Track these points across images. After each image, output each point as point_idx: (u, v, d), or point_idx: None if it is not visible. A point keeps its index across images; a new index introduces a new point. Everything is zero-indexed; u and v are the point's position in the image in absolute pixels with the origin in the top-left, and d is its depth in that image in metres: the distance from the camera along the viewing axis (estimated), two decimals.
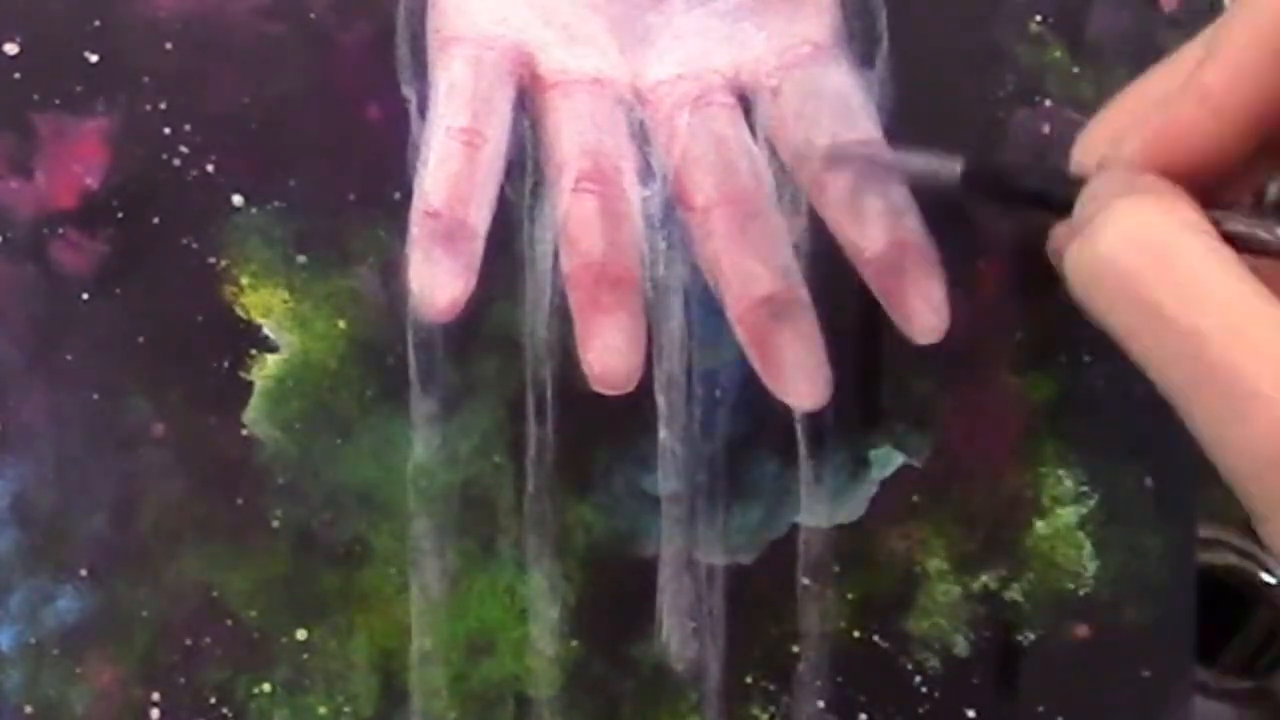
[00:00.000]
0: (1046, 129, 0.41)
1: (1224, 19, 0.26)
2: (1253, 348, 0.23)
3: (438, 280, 0.39)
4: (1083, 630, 0.41)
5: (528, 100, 0.40)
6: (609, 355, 0.39)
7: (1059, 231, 0.29)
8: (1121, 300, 0.24)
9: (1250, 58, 0.25)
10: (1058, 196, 0.30)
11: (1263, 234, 0.25)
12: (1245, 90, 0.25)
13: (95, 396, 0.39)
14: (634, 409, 0.40)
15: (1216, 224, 0.25)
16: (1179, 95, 0.26)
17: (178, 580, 0.39)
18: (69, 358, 0.39)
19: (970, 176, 0.32)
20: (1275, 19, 0.25)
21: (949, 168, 0.32)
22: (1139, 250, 0.24)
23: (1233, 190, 0.27)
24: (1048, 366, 0.41)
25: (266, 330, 0.39)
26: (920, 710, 0.41)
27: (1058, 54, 0.41)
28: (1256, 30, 0.25)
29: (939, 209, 0.40)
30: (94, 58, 0.39)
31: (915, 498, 0.41)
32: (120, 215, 0.39)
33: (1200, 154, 0.26)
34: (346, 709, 0.40)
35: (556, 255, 0.40)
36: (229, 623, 0.39)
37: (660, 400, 0.40)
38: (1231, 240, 0.25)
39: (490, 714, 0.40)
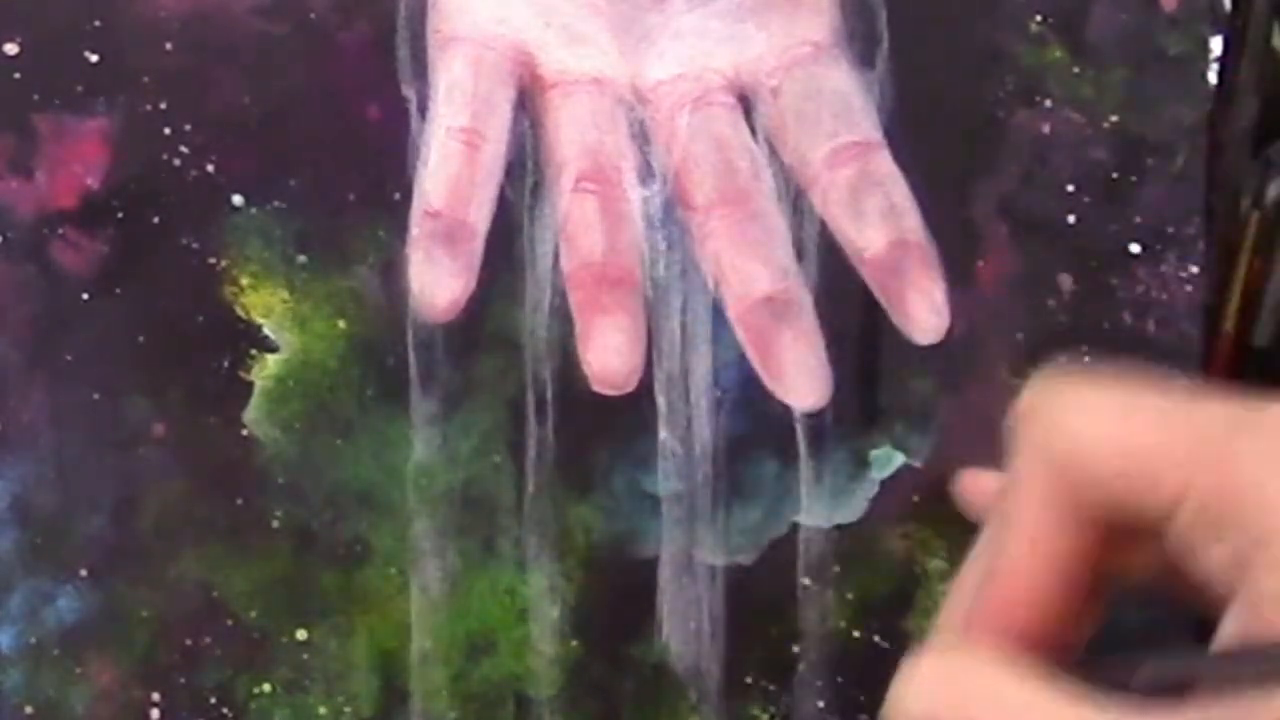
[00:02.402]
0: (1046, 129, 0.41)
1: (1007, 500, 0.27)
2: None
3: (438, 280, 0.39)
4: None
5: (528, 100, 0.40)
6: (609, 355, 0.39)
7: None
8: None
9: (1039, 521, 0.26)
10: None
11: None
12: (1043, 554, 0.26)
13: (95, 396, 0.39)
14: (634, 409, 0.40)
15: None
16: (986, 578, 0.27)
17: (178, 580, 0.39)
18: (69, 358, 0.39)
19: None
20: (1051, 473, 0.26)
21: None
22: (936, 688, 0.26)
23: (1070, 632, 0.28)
24: (1048, 366, 0.41)
25: (266, 330, 0.39)
26: None
27: (1058, 54, 0.41)
28: (1037, 491, 0.26)
29: (939, 209, 0.40)
30: (94, 58, 0.39)
31: (915, 498, 0.41)
32: (120, 215, 0.39)
33: (1022, 620, 0.27)
34: (346, 709, 0.40)
35: (556, 255, 0.40)
36: (229, 623, 0.39)
37: (660, 400, 0.40)
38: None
39: (490, 714, 0.40)
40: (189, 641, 0.39)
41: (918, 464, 0.41)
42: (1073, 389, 0.26)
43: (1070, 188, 0.42)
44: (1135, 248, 0.41)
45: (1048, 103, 0.41)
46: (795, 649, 0.40)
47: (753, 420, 0.40)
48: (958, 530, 0.41)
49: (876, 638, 0.41)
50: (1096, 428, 0.26)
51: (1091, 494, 0.26)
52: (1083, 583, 0.27)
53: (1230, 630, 0.25)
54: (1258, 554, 0.24)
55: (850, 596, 0.41)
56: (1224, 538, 0.24)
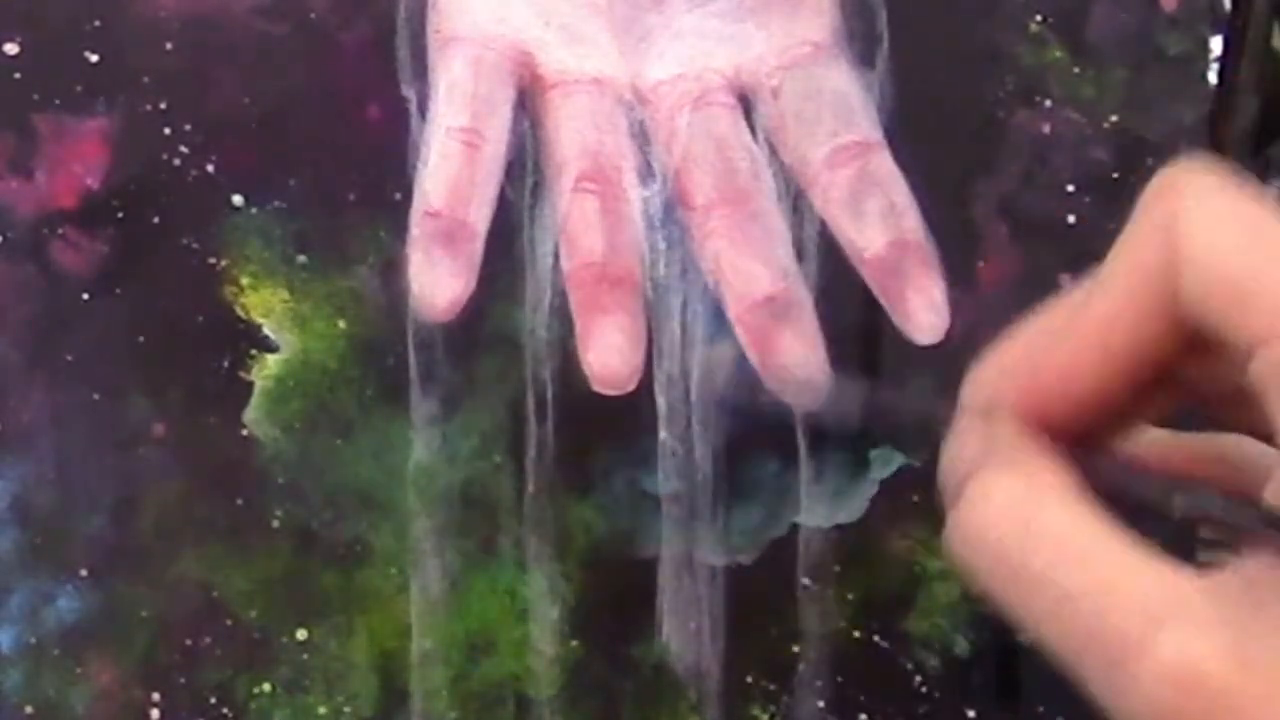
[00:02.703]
0: (1046, 129, 0.41)
1: (1109, 258, 0.26)
2: (1124, 602, 0.23)
3: (438, 280, 0.39)
4: None
5: (528, 100, 0.40)
6: (609, 355, 0.39)
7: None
8: (998, 574, 0.25)
9: (1132, 296, 0.25)
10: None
11: (1136, 487, 0.26)
12: (1126, 327, 0.26)
13: (95, 396, 0.39)
14: (634, 409, 0.40)
15: (1094, 470, 0.26)
16: (1061, 333, 0.26)
17: (178, 580, 0.39)
18: (69, 358, 0.39)
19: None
20: (1159, 255, 0.25)
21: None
22: (1005, 524, 0.25)
23: (1121, 422, 0.28)
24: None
25: (266, 330, 0.39)
26: (920, 710, 0.41)
27: (1058, 54, 0.41)
28: (1142, 266, 0.25)
29: (939, 209, 0.40)
30: (94, 58, 0.39)
31: (915, 498, 0.41)
32: (120, 215, 0.39)
33: (1080, 393, 0.26)
34: (346, 709, 0.40)
35: (556, 255, 0.40)
36: (229, 623, 0.39)
37: (660, 400, 0.40)
38: (1109, 487, 0.26)
39: (490, 714, 0.40)
40: (189, 641, 0.39)
41: (918, 464, 0.41)
42: (1208, 189, 0.25)
43: (1070, 188, 0.42)
44: None
45: (1048, 103, 0.41)
46: (795, 649, 0.40)
47: (753, 420, 0.40)
48: None
49: (876, 638, 0.41)
50: (1217, 234, 0.25)
51: (1188, 298, 0.25)
52: (1151, 377, 0.26)
53: None
54: None
55: (850, 596, 0.41)
56: None
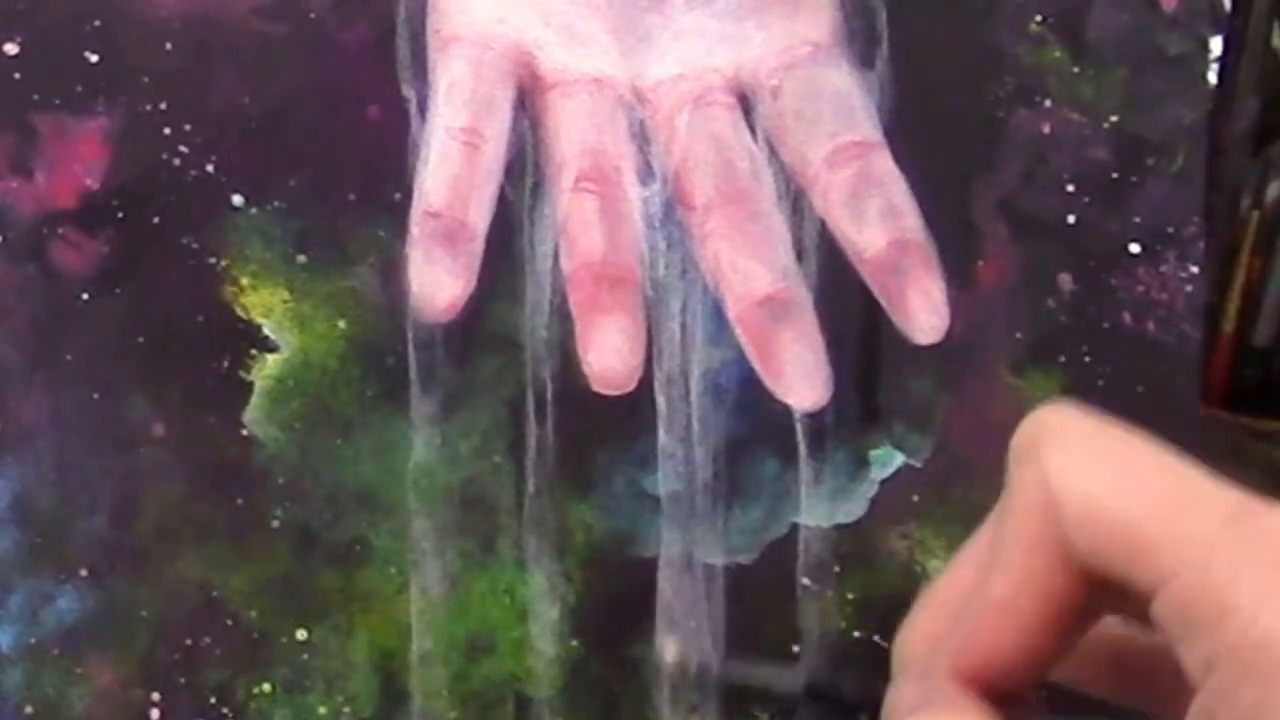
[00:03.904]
0: (1047, 129, 0.41)
1: (996, 519, 0.27)
2: None
3: (438, 280, 0.39)
4: None
5: (528, 100, 0.40)
6: (609, 355, 0.39)
7: None
8: None
9: (1029, 563, 0.26)
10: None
11: None
12: (1033, 594, 0.26)
13: (95, 396, 0.39)
14: (634, 409, 0.40)
15: None
16: (973, 608, 0.27)
17: (178, 580, 0.39)
18: (69, 358, 0.39)
19: (811, 688, 0.32)
20: (1042, 517, 0.25)
21: (790, 679, 0.32)
22: None
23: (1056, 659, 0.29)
24: (1048, 366, 0.41)
25: (266, 330, 0.39)
26: None
27: (1058, 54, 0.41)
28: (1028, 531, 0.26)
29: (939, 209, 0.40)
30: (94, 58, 0.39)
31: (915, 498, 0.41)
32: (120, 215, 0.39)
33: (1005, 660, 0.27)
34: (346, 709, 0.40)
35: (556, 255, 0.40)
36: (229, 623, 0.39)
37: (660, 400, 0.40)
38: None
39: (490, 714, 0.40)
40: (189, 641, 0.39)
41: (918, 464, 0.41)
42: (1075, 437, 0.26)
43: (1070, 188, 0.42)
44: (1135, 248, 0.41)
45: (1048, 103, 0.41)
46: (795, 649, 0.40)
47: (753, 420, 0.40)
48: (958, 530, 0.41)
49: (876, 638, 0.41)
50: (1091, 486, 0.25)
51: (1081, 548, 0.25)
52: (1072, 623, 0.27)
53: None
54: (1228, 667, 0.23)
55: (850, 596, 0.41)
56: (1198, 637, 0.24)
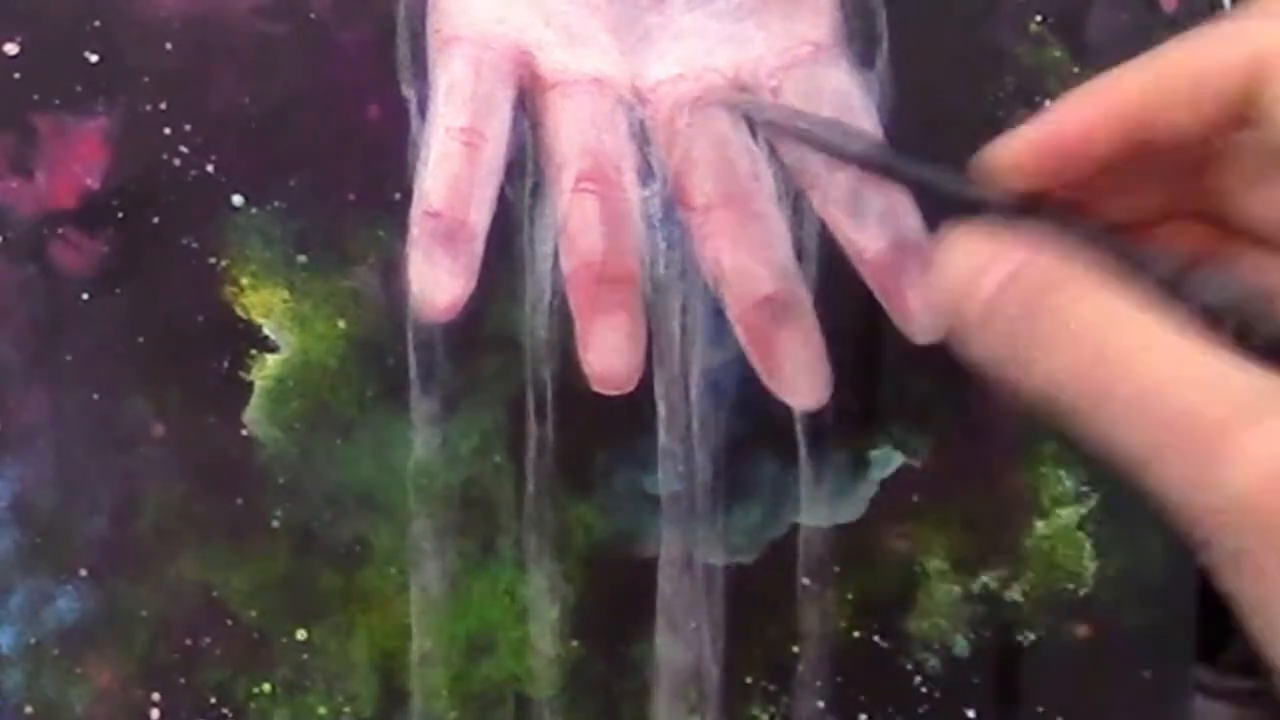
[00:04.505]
0: None
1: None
2: (1216, 396, 0.22)
3: (438, 280, 0.39)
4: (1083, 630, 0.41)
5: (528, 100, 0.40)
6: (609, 355, 0.39)
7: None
8: (1067, 368, 0.24)
9: (1171, 68, 0.25)
10: (956, 194, 0.30)
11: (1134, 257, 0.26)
12: (1154, 96, 0.25)
13: (95, 396, 0.39)
14: (634, 409, 0.40)
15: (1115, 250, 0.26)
16: (1083, 91, 0.26)
17: (178, 580, 0.39)
18: (69, 358, 0.39)
19: (876, 155, 0.31)
20: (1214, 43, 0.25)
21: (859, 141, 0.31)
22: (1083, 314, 0.24)
23: (1124, 202, 0.28)
24: None
25: (266, 330, 0.39)
26: (920, 710, 0.41)
27: (1058, 54, 0.41)
28: (1192, 50, 0.25)
29: (939, 209, 0.40)
30: (94, 58, 0.39)
31: (915, 498, 0.41)
32: (120, 215, 0.39)
33: (1092, 155, 0.26)
34: (346, 709, 0.40)
35: (556, 255, 0.40)
36: (229, 623, 0.39)
37: (660, 401, 0.40)
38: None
39: (490, 714, 0.40)
40: (189, 641, 0.39)
41: (917, 464, 0.41)
42: None
43: None
44: None
45: (1048, 103, 0.41)
46: (795, 649, 0.40)
47: (753, 420, 0.40)
48: (958, 530, 0.41)
49: (876, 638, 0.41)
50: None
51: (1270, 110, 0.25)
52: (1170, 138, 0.26)
53: None
54: None
55: (850, 596, 0.41)
56: None
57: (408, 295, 0.39)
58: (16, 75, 0.39)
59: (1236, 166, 0.29)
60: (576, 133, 0.40)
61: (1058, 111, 0.26)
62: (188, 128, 0.39)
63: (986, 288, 0.25)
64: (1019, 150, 0.27)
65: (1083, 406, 0.24)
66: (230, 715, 0.39)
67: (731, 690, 0.40)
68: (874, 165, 0.31)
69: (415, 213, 0.39)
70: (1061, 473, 0.41)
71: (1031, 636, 0.41)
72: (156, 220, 0.39)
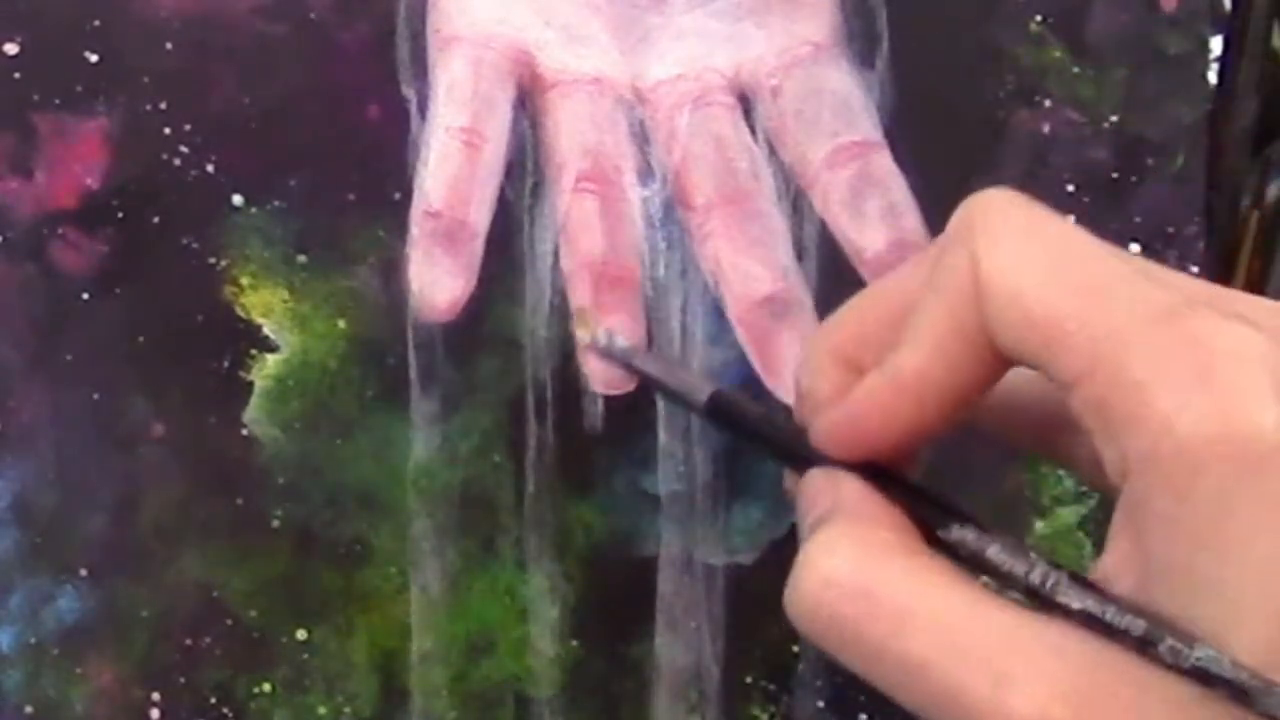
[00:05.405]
0: (1046, 129, 0.41)
1: (920, 299, 0.26)
2: (972, 663, 0.23)
3: (438, 280, 0.39)
4: None
5: (528, 100, 0.40)
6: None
7: (790, 484, 0.29)
8: (844, 642, 0.25)
9: (943, 342, 0.25)
10: (788, 449, 0.30)
11: (975, 547, 0.26)
12: (939, 374, 0.25)
13: (95, 396, 0.39)
14: (634, 409, 0.40)
15: (935, 532, 0.26)
16: (877, 377, 0.26)
17: (178, 580, 0.39)
18: (69, 358, 0.39)
19: (713, 405, 0.31)
20: (965, 301, 0.25)
21: (698, 390, 0.30)
22: (843, 593, 0.25)
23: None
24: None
25: (266, 330, 0.39)
26: None
27: (1058, 54, 0.41)
28: (950, 314, 0.25)
29: (939, 209, 0.40)
30: (94, 58, 0.39)
31: None
32: (120, 215, 0.39)
33: (896, 434, 0.26)
34: (346, 709, 0.40)
35: (556, 255, 0.40)
36: (229, 623, 0.39)
37: (660, 400, 0.40)
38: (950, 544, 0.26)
39: (490, 714, 0.40)
40: (189, 641, 0.39)
41: None
42: (1010, 225, 0.25)
43: (1070, 188, 0.42)
44: (1135, 248, 0.41)
45: (1048, 103, 0.41)
46: (795, 649, 0.40)
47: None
48: None
49: None
50: (1019, 276, 0.24)
51: (1002, 338, 0.24)
52: (967, 405, 0.26)
53: (1118, 550, 0.24)
54: (1145, 468, 0.22)
55: None
56: (1113, 437, 0.23)
57: (408, 295, 0.39)
58: (16, 75, 0.39)
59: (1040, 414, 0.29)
60: (576, 133, 0.40)
61: (853, 402, 0.27)
62: (187, 128, 0.39)
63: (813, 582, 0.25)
64: (831, 430, 0.27)
65: (871, 675, 0.25)
66: (230, 715, 0.39)
67: (731, 690, 0.40)
68: (716, 416, 0.31)
69: (415, 213, 0.39)
70: (1061, 473, 0.41)
71: None
72: (156, 220, 0.39)
